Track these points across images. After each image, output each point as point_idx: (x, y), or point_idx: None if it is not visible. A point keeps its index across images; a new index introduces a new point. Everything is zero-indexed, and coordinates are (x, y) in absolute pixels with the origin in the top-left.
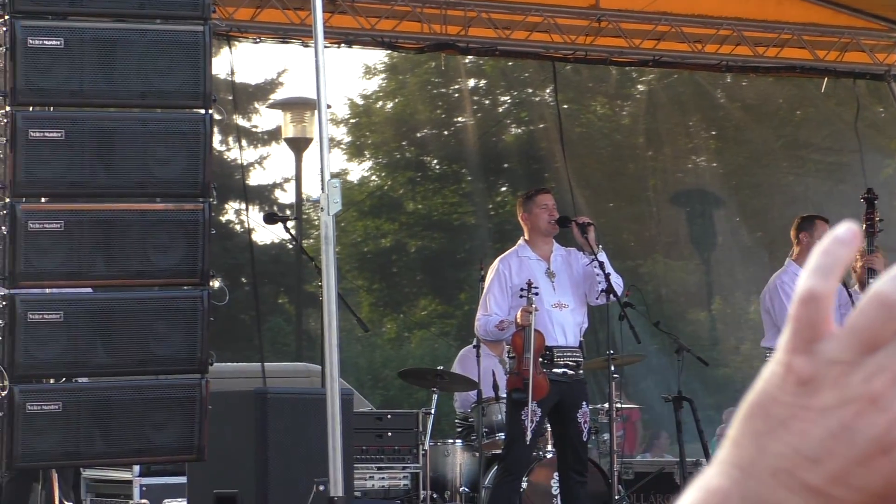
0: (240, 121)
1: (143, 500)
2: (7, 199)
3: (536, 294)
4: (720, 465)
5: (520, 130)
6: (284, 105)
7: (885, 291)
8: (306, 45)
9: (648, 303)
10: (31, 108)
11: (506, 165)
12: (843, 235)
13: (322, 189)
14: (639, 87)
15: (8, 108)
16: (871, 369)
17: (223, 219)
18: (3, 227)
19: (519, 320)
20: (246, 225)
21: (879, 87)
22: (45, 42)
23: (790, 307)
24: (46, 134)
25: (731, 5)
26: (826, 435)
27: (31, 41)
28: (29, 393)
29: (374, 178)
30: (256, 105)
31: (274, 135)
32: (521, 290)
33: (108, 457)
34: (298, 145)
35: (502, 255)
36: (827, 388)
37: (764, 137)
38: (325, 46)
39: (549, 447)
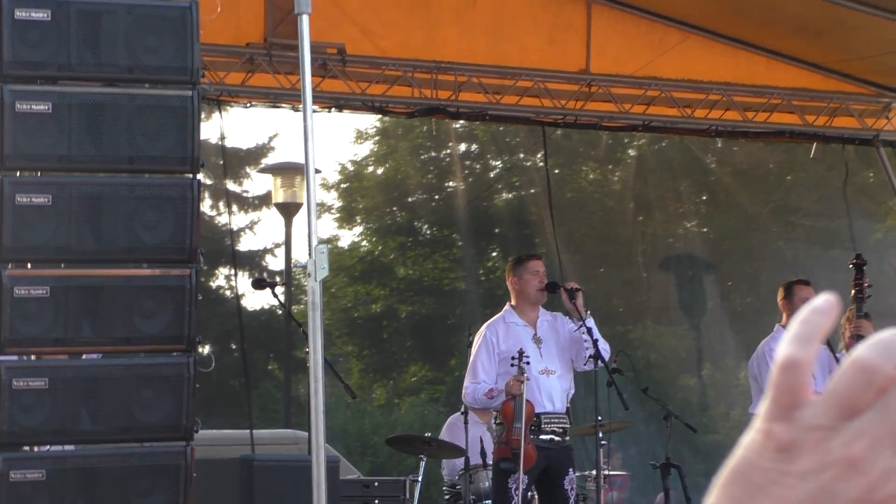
0: (230, 185)
1: None
2: None
3: (528, 363)
4: None
5: (511, 195)
6: (275, 170)
7: (865, 357)
8: (297, 110)
9: (638, 368)
10: (18, 173)
11: (497, 230)
12: (821, 305)
13: (310, 255)
14: (629, 151)
15: None
16: (850, 434)
17: (213, 284)
18: None
19: (510, 389)
20: (235, 291)
21: (868, 152)
22: (34, 107)
23: (773, 375)
24: (33, 199)
25: (720, 70)
26: (806, 499)
27: (18, 106)
28: (13, 461)
29: (364, 243)
30: (247, 170)
31: (265, 200)
32: (513, 358)
33: None
34: (288, 210)
35: (489, 322)
36: (807, 454)
37: (754, 202)
38: (316, 111)
39: None
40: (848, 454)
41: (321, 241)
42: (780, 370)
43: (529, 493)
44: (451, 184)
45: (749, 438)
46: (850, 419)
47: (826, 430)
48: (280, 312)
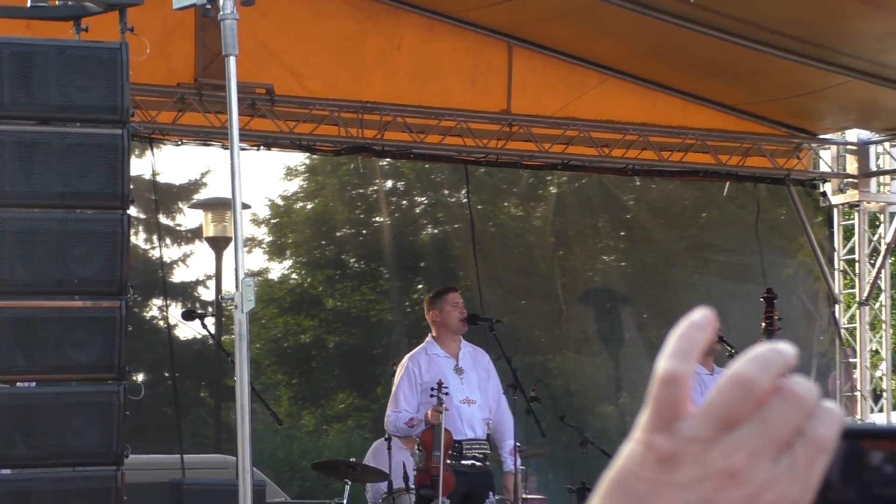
0: (163, 219)
1: None
2: None
3: (447, 394)
4: None
5: (435, 230)
6: (206, 205)
7: (743, 371)
8: (227, 148)
9: (557, 396)
10: None
11: (422, 264)
12: (698, 320)
13: (236, 287)
14: (550, 189)
15: None
16: (729, 446)
17: (147, 315)
18: None
19: (429, 419)
20: (167, 321)
21: (779, 191)
22: None
23: (653, 388)
24: None
25: (637, 111)
26: None
27: None
28: None
29: (294, 275)
30: (180, 205)
31: (196, 233)
32: (432, 389)
33: None
34: (219, 244)
35: (411, 353)
36: (687, 465)
37: (670, 238)
38: (245, 149)
39: None
40: (728, 465)
41: (249, 274)
42: (661, 384)
43: None
44: (377, 219)
45: (629, 449)
46: (729, 431)
47: (706, 441)
48: (211, 342)
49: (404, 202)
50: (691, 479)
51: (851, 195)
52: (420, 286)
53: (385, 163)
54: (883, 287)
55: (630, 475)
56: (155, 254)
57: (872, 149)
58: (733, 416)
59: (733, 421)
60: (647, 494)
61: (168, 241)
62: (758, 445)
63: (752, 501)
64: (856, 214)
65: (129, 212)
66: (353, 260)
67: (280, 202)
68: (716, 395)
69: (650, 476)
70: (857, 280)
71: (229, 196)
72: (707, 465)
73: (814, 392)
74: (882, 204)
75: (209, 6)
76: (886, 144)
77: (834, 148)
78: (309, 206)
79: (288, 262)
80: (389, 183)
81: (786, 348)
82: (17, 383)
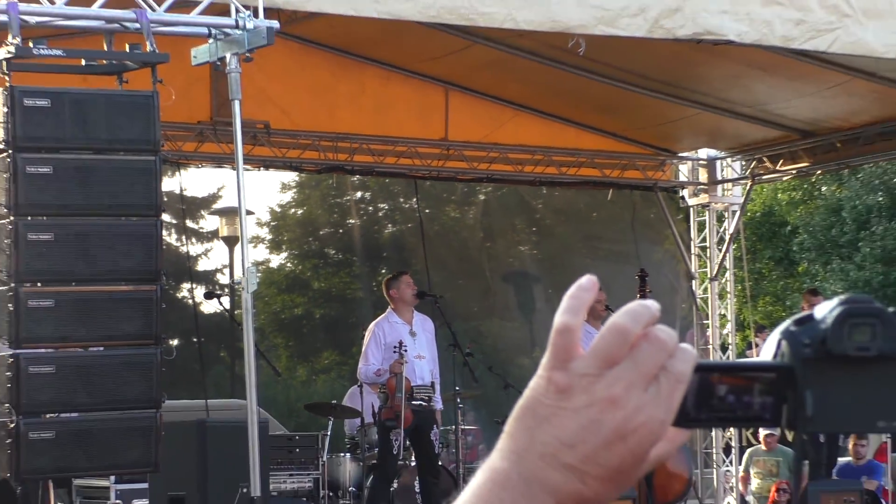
0: (189, 223)
1: (118, 501)
2: (12, 284)
3: (405, 351)
4: (500, 452)
5: (394, 229)
6: (221, 212)
7: (620, 322)
8: (234, 169)
9: (487, 352)
10: (29, 217)
11: (384, 254)
12: (584, 284)
13: (243, 274)
14: (479, 196)
15: (12, 218)
16: (610, 380)
17: (178, 295)
18: (9, 305)
19: (394, 369)
20: (193, 300)
21: (650, 196)
22: (39, 169)
23: (551, 336)
24: (41, 236)
25: (543, 137)
26: (579, 427)
27: (28, 169)
28: (31, 424)
29: (288, 264)
30: (202, 212)
31: (214, 234)
32: (394, 347)
33: (90, 470)
34: (231, 242)
35: (376, 321)
36: (578, 394)
37: (569, 233)
38: (248, 170)
39: (412, 459)
40: (609, 394)
41: (253, 265)
42: (556, 333)
43: (406, 443)
44: (350, 221)
45: (534, 383)
46: (610, 368)
47: (593, 376)
48: (226, 315)
49: (370, 208)
50: (582, 405)
51: (703, 198)
52: (383, 271)
53: (355, 179)
54: (728, 266)
55: (535, 402)
56: (183, 249)
57: (719, 163)
58: (613, 357)
59: (613, 360)
60: (549, 416)
61: (193, 239)
62: (632, 378)
63: (627, 421)
64: (707, 213)
65: (161, 218)
66: (333, 252)
67: (277, 209)
68: (599, 340)
69: (550, 403)
70: (708, 262)
71: (238, 205)
72: (593, 394)
73: (673, 337)
74: (726, 204)
75: (219, 62)
76: (729, 160)
77: (690, 163)
78: (299, 212)
79: (284, 255)
80: (359, 194)
81: (652, 304)
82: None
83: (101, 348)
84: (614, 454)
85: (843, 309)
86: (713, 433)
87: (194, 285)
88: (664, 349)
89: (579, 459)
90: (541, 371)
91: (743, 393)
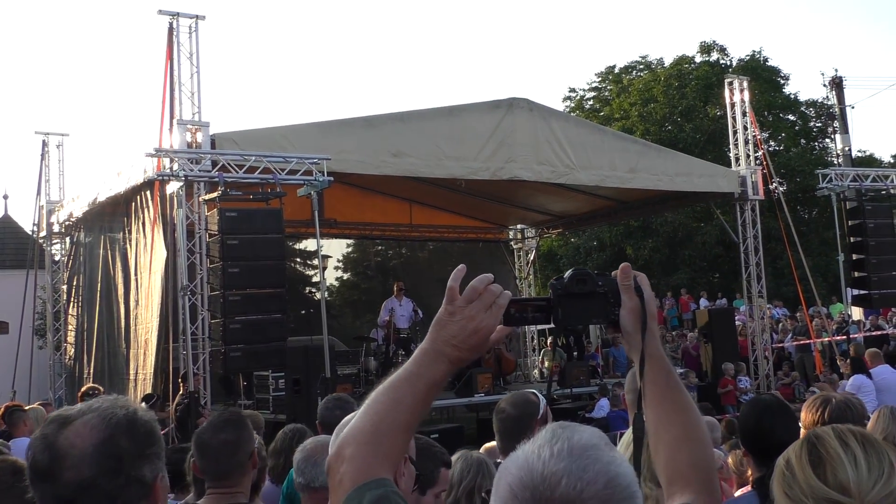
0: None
1: (273, 382)
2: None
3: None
4: (425, 342)
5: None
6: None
7: (475, 284)
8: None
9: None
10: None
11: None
12: (458, 271)
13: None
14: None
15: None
16: (471, 308)
17: None
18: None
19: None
20: None
21: (497, 249)
22: (230, 242)
23: (450, 287)
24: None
25: (439, 219)
26: (458, 329)
27: (228, 242)
28: (230, 349)
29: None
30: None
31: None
32: (391, 310)
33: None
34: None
35: (388, 299)
36: (457, 315)
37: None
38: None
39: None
40: (470, 314)
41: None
42: (448, 289)
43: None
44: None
45: (440, 312)
46: (471, 303)
47: (463, 306)
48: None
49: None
50: (458, 319)
51: (520, 245)
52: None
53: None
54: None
55: (439, 319)
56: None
57: (525, 230)
58: (472, 298)
59: (472, 299)
60: (445, 324)
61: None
62: (479, 307)
63: (478, 325)
64: (522, 252)
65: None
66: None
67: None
68: (466, 291)
69: (445, 319)
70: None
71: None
72: (465, 313)
73: (499, 288)
74: (530, 247)
75: (311, 193)
76: (529, 228)
77: (514, 230)
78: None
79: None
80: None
81: (489, 276)
82: None
83: None
84: (473, 339)
85: (572, 272)
86: (530, 354)
87: None
88: (494, 294)
89: (458, 342)
90: (443, 307)
91: (527, 311)
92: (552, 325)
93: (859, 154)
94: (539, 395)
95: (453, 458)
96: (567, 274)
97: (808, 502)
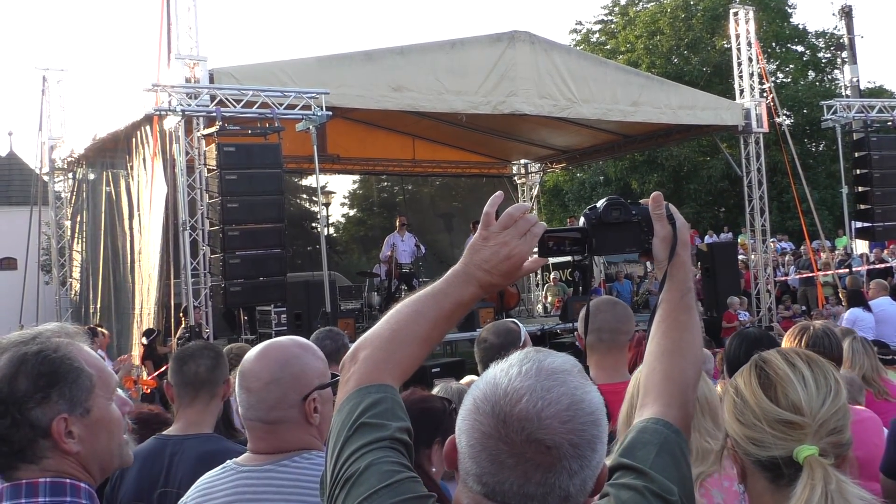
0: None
1: (276, 317)
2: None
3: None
4: (459, 264)
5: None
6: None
7: (511, 211)
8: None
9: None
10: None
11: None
12: (496, 197)
13: None
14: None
15: (219, 199)
16: (505, 234)
17: None
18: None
19: (392, 253)
20: None
21: (501, 185)
22: (230, 177)
23: (482, 216)
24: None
25: (442, 154)
26: (491, 254)
27: (227, 177)
28: (231, 283)
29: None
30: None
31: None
32: (394, 245)
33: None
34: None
35: (391, 234)
36: (492, 239)
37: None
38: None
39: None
40: (504, 240)
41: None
42: (484, 214)
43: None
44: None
45: (475, 236)
46: (506, 229)
47: (498, 232)
48: None
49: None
50: (491, 244)
51: (523, 180)
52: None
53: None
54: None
55: (474, 243)
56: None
57: (529, 165)
58: (507, 225)
59: (507, 226)
60: (479, 249)
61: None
62: (514, 234)
63: (511, 251)
64: (525, 186)
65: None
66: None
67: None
68: (502, 217)
69: (479, 244)
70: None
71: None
72: (499, 239)
73: (535, 217)
74: (533, 182)
75: (310, 128)
76: (533, 163)
77: (517, 165)
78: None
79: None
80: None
81: (525, 205)
82: None
83: None
84: (505, 265)
85: (607, 200)
86: (533, 289)
87: None
88: (529, 222)
89: (490, 267)
90: (478, 231)
91: (564, 243)
92: (577, 258)
93: (869, 85)
94: (519, 324)
95: (434, 390)
96: (601, 203)
97: (761, 426)
